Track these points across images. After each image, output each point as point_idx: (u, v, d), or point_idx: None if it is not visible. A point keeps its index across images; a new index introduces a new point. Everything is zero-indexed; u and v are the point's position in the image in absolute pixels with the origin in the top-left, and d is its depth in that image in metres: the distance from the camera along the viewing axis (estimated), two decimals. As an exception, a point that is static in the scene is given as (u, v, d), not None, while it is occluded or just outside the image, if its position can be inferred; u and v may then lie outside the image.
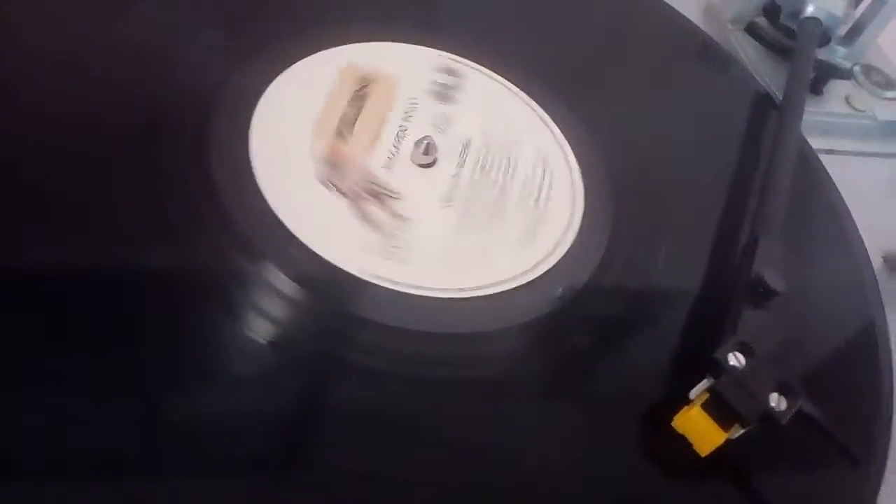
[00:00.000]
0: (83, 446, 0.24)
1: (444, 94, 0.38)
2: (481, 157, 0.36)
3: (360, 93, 0.35)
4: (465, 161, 0.36)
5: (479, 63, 0.40)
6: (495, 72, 0.40)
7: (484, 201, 0.35)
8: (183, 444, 0.25)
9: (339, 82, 0.36)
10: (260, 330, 0.28)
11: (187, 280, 0.29)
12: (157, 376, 0.26)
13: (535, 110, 0.40)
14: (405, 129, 0.36)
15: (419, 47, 0.40)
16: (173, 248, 0.29)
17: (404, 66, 0.38)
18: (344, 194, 0.32)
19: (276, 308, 0.29)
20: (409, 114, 0.36)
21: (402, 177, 0.34)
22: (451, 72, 0.39)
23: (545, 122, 0.39)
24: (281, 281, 0.29)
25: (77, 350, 0.25)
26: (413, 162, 0.35)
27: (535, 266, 0.33)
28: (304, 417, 0.27)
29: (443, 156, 0.35)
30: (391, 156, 0.35)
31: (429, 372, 0.29)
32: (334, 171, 0.32)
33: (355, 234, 0.31)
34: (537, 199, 0.36)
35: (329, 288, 0.30)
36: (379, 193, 0.33)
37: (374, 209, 0.32)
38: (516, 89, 0.40)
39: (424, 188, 0.34)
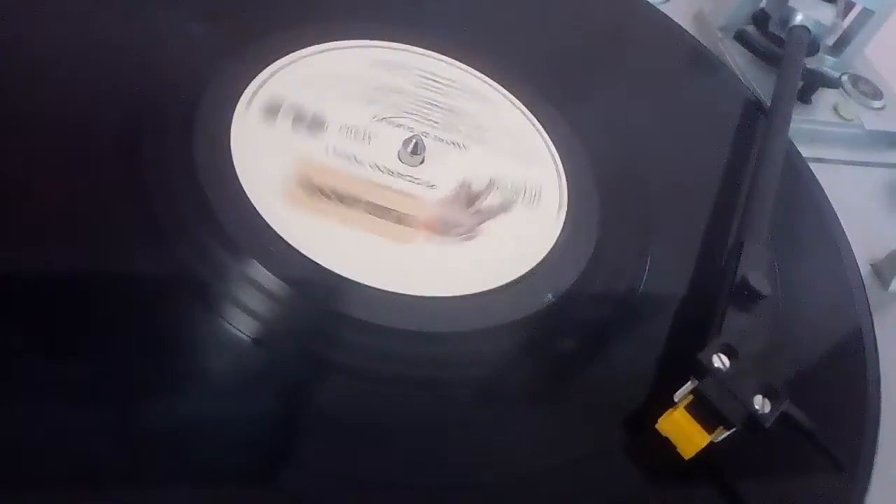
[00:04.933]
0: (75, 450, 0.23)
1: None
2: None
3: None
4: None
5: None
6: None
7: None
8: (176, 445, 0.25)
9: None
10: (248, 328, 0.28)
11: (173, 281, 0.28)
12: (153, 378, 0.26)
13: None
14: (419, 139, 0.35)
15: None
16: (160, 251, 0.29)
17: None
18: (469, 230, 0.33)
19: (263, 305, 0.28)
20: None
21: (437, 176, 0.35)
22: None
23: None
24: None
25: (60, 354, 0.25)
26: (400, 157, 0.35)
27: (521, 265, 0.32)
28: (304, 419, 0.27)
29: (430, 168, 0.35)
30: (415, 182, 0.34)
31: (408, 371, 0.29)
32: (445, 229, 0.32)
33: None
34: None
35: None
36: (468, 198, 0.33)
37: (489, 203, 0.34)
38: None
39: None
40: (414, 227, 0.32)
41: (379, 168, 0.34)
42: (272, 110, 0.34)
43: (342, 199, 0.32)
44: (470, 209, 0.33)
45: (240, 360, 0.27)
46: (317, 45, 0.37)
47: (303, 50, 0.37)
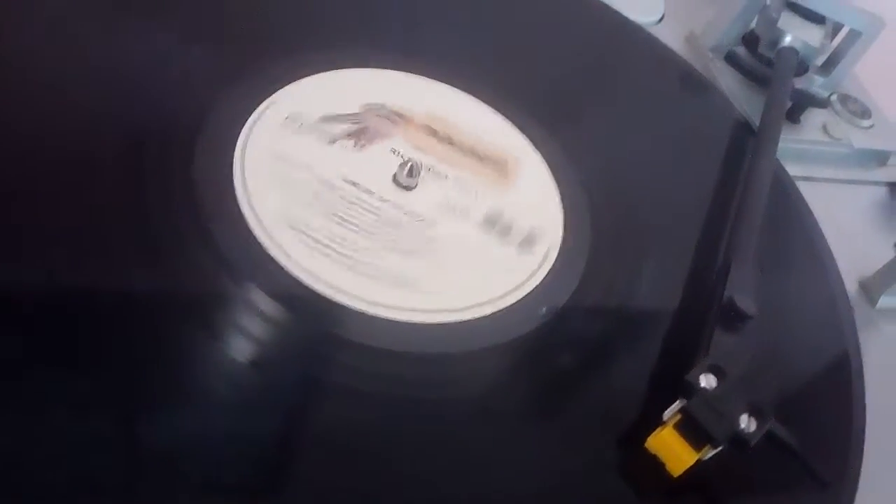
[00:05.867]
0: (63, 470, 0.24)
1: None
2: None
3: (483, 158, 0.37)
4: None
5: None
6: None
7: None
8: (172, 466, 0.25)
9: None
10: (243, 350, 0.28)
11: (170, 302, 0.29)
12: (142, 397, 0.26)
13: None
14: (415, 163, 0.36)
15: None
16: (156, 271, 0.29)
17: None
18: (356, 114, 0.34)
19: (258, 329, 0.29)
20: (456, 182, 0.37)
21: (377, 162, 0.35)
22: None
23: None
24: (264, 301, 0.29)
25: (55, 371, 0.25)
26: (395, 177, 0.35)
27: (514, 289, 0.33)
28: (291, 439, 0.28)
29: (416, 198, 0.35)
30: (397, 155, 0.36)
31: (405, 392, 0.30)
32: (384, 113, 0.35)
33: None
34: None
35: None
36: (362, 133, 0.35)
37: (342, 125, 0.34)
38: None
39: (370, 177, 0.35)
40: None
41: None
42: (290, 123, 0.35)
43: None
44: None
45: (235, 384, 0.28)
46: (326, 72, 0.38)
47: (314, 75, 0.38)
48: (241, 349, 0.28)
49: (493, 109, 0.40)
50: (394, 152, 0.36)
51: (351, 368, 0.29)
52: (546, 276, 0.34)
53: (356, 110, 0.37)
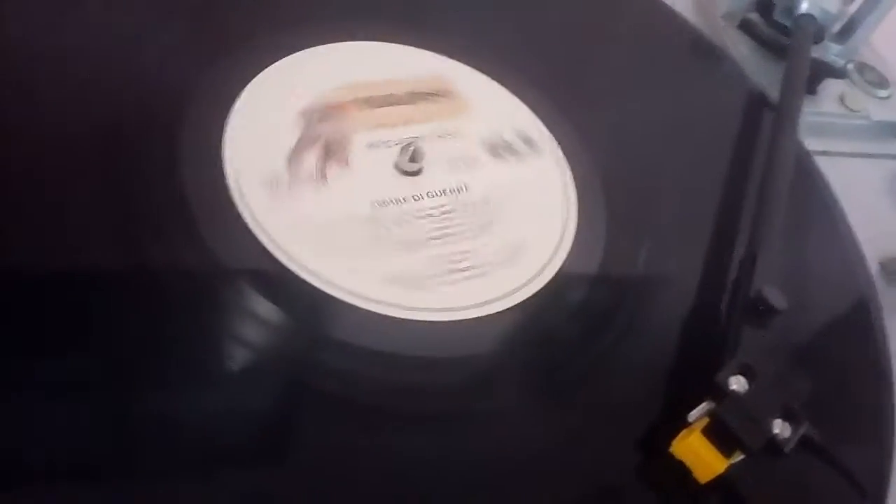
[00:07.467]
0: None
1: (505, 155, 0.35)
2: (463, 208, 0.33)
3: (426, 96, 0.34)
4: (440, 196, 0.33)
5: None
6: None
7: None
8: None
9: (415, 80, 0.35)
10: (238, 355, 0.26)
11: (151, 292, 0.27)
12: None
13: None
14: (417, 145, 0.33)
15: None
16: (138, 258, 0.27)
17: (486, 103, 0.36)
18: (303, 132, 0.30)
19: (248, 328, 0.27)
20: (439, 136, 0.34)
21: (371, 164, 0.32)
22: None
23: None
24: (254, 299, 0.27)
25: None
26: (397, 166, 0.33)
27: (526, 283, 0.31)
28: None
29: (428, 178, 0.33)
30: (381, 145, 0.33)
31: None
32: (322, 115, 0.31)
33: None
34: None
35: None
36: (332, 152, 0.31)
37: (310, 157, 0.30)
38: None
39: (375, 183, 0.32)
40: (349, 103, 0.32)
41: (412, 141, 0.33)
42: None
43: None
44: (326, 139, 0.31)
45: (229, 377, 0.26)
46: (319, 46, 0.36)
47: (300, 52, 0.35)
48: (234, 351, 0.27)
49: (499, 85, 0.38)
50: (371, 146, 0.33)
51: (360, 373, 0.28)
52: (560, 273, 0.32)
53: (300, 128, 0.32)
